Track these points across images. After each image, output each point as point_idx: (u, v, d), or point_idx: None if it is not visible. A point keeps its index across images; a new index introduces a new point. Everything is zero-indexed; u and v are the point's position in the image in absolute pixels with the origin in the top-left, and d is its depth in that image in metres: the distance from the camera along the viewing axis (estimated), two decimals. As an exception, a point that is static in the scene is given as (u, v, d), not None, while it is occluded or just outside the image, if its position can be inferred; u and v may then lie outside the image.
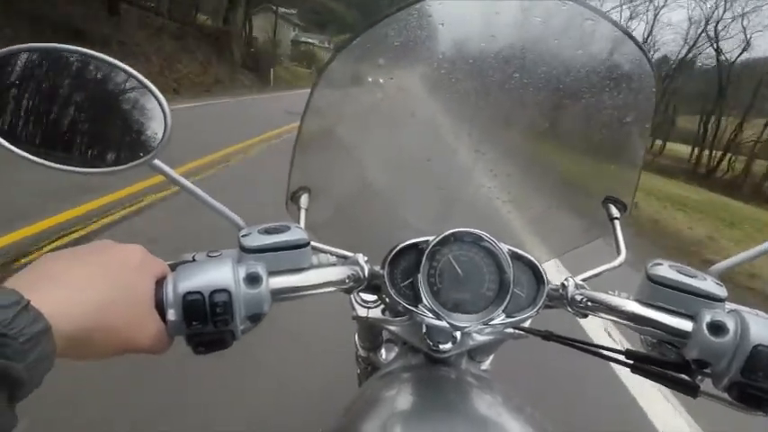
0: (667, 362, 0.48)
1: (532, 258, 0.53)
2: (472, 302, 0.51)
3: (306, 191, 0.69)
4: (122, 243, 0.42)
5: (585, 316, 0.52)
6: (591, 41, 0.59)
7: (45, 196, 3.37)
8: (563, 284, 0.53)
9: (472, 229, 0.51)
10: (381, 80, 0.63)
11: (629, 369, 0.50)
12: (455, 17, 0.58)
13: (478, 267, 0.51)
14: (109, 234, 3.08)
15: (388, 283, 0.52)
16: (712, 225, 7.09)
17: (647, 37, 24.41)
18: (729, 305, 0.47)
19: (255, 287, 0.43)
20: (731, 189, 18.48)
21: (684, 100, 28.07)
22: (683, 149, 27.65)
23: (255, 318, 0.43)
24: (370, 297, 0.66)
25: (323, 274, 0.50)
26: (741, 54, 23.01)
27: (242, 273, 0.43)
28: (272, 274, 0.45)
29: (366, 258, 0.53)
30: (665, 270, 0.48)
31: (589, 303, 0.50)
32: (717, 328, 0.43)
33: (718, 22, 22.84)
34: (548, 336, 0.52)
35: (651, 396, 2.01)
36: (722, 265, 0.52)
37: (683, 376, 0.47)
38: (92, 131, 0.47)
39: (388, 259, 0.52)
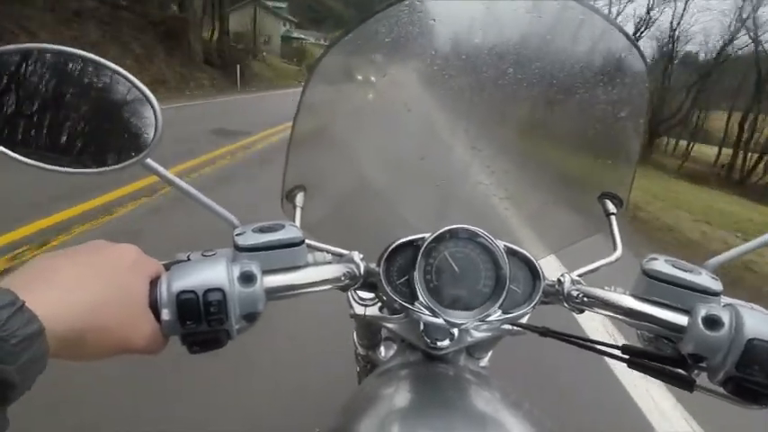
0: (663, 356, 0.48)
1: (528, 254, 0.53)
2: (468, 299, 0.51)
3: (301, 189, 0.69)
4: (116, 243, 0.41)
5: (582, 311, 0.52)
6: (583, 37, 0.59)
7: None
8: (559, 280, 0.53)
9: (468, 226, 0.51)
10: (375, 76, 0.63)
11: (625, 364, 0.50)
12: (447, 13, 0.58)
13: (474, 264, 0.51)
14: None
15: (384, 281, 0.52)
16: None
17: (676, 26, 22.68)
18: (725, 299, 0.47)
19: (250, 286, 0.42)
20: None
21: (713, 96, 24.72)
22: (709, 151, 25.20)
23: (251, 317, 0.43)
24: (368, 295, 0.66)
25: (318, 272, 0.49)
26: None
27: (236, 271, 0.42)
28: (266, 272, 0.45)
29: (362, 256, 0.53)
30: (661, 265, 0.48)
31: (585, 299, 0.50)
32: (712, 322, 0.43)
33: (757, 9, 20.22)
34: (545, 332, 0.52)
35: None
36: (717, 259, 0.52)
37: (680, 371, 0.47)
38: (82, 132, 0.46)
39: (384, 257, 0.52)
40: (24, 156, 0.44)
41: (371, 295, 0.65)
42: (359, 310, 0.67)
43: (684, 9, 23.27)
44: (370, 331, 0.88)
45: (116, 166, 0.47)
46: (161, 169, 0.49)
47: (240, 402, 1.71)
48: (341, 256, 0.54)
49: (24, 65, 0.43)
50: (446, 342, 0.57)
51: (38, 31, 10.60)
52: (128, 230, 3.22)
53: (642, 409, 1.90)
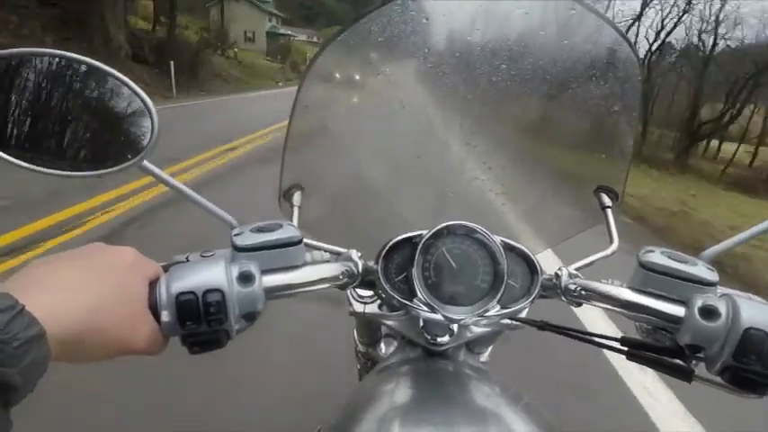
0: (662, 348, 0.48)
1: (525, 249, 0.53)
2: (467, 295, 0.51)
3: (298, 188, 0.69)
4: (114, 245, 0.41)
5: (580, 305, 0.52)
6: (576, 32, 0.59)
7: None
8: (556, 274, 0.53)
9: (465, 222, 0.51)
10: (370, 75, 0.63)
11: (624, 356, 0.50)
12: (440, 10, 0.59)
13: (472, 260, 0.52)
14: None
15: (382, 278, 0.52)
16: None
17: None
18: (721, 289, 0.47)
19: (249, 286, 0.43)
20: None
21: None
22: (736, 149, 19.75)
23: (250, 316, 0.43)
24: (367, 292, 0.66)
25: (316, 270, 0.50)
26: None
27: (235, 272, 0.43)
28: (265, 272, 0.45)
29: (360, 254, 0.53)
30: (657, 256, 0.49)
31: (583, 292, 0.51)
32: (708, 313, 0.43)
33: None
34: (543, 326, 0.52)
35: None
36: (713, 250, 0.52)
37: (678, 361, 0.47)
38: (79, 135, 0.46)
39: (382, 254, 0.52)
40: (21, 159, 0.44)
41: (370, 293, 0.65)
42: (358, 307, 0.67)
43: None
44: (369, 328, 0.88)
45: (113, 169, 0.47)
46: (158, 171, 0.49)
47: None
48: (339, 254, 0.55)
49: (20, 69, 0.43)
50: (446, 338, 0.57)
51: None
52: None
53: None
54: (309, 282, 0.49)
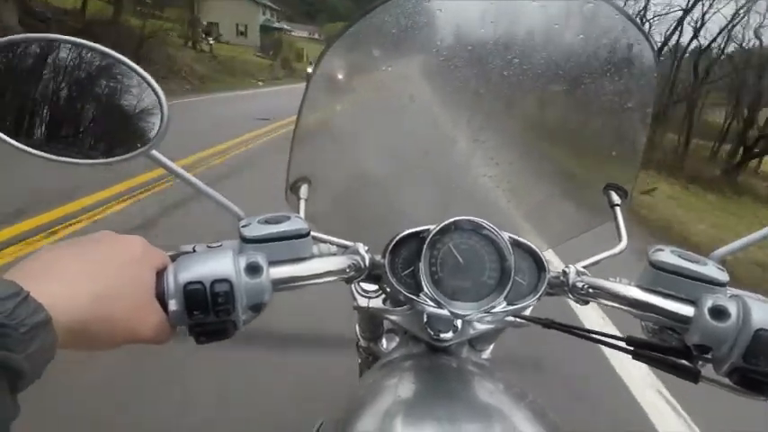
0: (668, 347, 0.48)
1: (533, 246, 0.53)
2: (473, 291, 0.51)
3: (305, 181, 0.69)
4: (122, 234, 0.41)
5: (587, 303, 0.52)
6: (592, 26, 0.58)
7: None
8: (564, 272, 0.53)
9: (473, 218, 0.51)
10: (379, 68, 0.63)
11: (630, 356, 0.50)
12: (452, 3, 0.58)
13: (479, 255, 0.51)
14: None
15: (388, 273, 0.52)
16: None
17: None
18: (731, 290, 0.47)
19: (256, 277, 0.43)
20: None
21: None
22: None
23: (257, 308, 0.43)
24: (371, 287, 0.66)
25: (323, 263, 0.49)
26: None
27: (242, 263, 0.43)
28: (272, 263, 0.45)
29: (366, 248, 0.53)
30: (667, 255, 0.48)
31: (590, 290, 0.50)
32: (718, 313, 0.43)
33: None
34: (548, 324, 0.52)
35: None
36: (724, 250, 0.52)
37: (684, 362, 0.47)
38: (89, 123, 0.46)
39: (389, 248, 0.52)
40: (32, 146, 0.44)
41: (375, 287, 0.65)
42: (362, 302, 0.67)
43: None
44: (372, 323, 0.88)
45: (122, 157, 0.47)
46: (166, 161, 0.49)
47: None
48: (345, 247, 0.55)
49: (37, 55, 0.43)
50: (449, 334, 0.57)
51: None
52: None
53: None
54: (316, 274, 0.49)
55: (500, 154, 0.70)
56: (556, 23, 0.59)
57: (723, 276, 0.47)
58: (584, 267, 0.54)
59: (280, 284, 0.46)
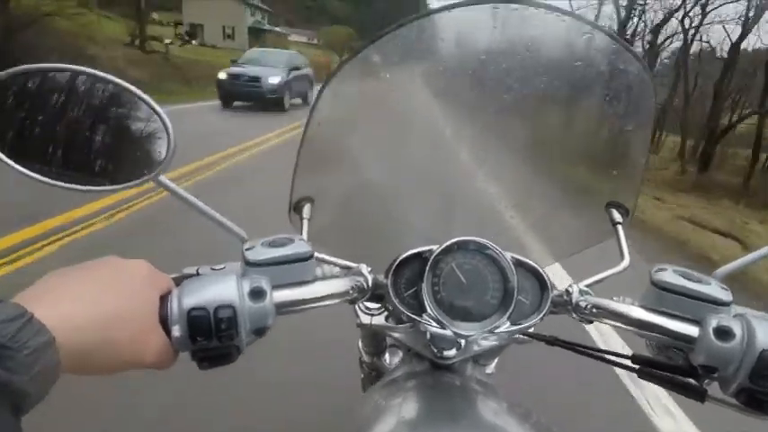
0: (674, 366, 0.48)
1: (536, 265, 0.53)
2: (476, 310, 0.51)
3: (308, 201, 0.69)
4: (127, 259, 0.42)
5: (591, 322, 0.52)
6: (589, 53, 0.60)
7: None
8: (567, 291, 0.53)
9: (476, 238, 0.51)
10: (384, 90, 0.63)
11: (635, 374, 0.50)
12: (455, 32, 0.59)
13: (482, 275, 0.51)
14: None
15: (391, 293, 0.52)
16: None
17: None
18: (736, 308, 0.47)
19: (260, 301, 0.43)
20: None
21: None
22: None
23: (260, 331, 0.43)
24: (374, 304, 0.66)
25: (327, 286, 0.50)
26: None
27: (246, 287, 0.43)
28: (276, 287, 0.45)
29: (369, 269, 0.53)
30: (670, 275, 0.48)
31: (594, 309, 0.50)
32: (723, 333, 0.43)
33: None
34: (553, 341, 0.52)
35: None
36: (727, 268, 0.52)
37: (691, 381, 0.47)
38: (96, 150, 0.47)
39: (392, 269, 0.52)
40: (40, 173, 0.45)
41: (378, 305, 0.65)
42: (365, 319, 0.67)
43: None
44: (375, 339, 0.88)
45: (129, 183, 0.48)
46: (173, 186, 0.50)
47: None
48: (348, 268, 0.55)
49: (45, 84, 0.44)
50: (453, 352, 0.57)
51: None
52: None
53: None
54: (320, 297, 0.49)
55: (503, 173, 0.70)
56: (554, 51, 0.61)
57: (727, 296, 0.46)
58: (587, 286, 0.54)
59: (283, 308, 0.46)
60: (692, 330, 0.45)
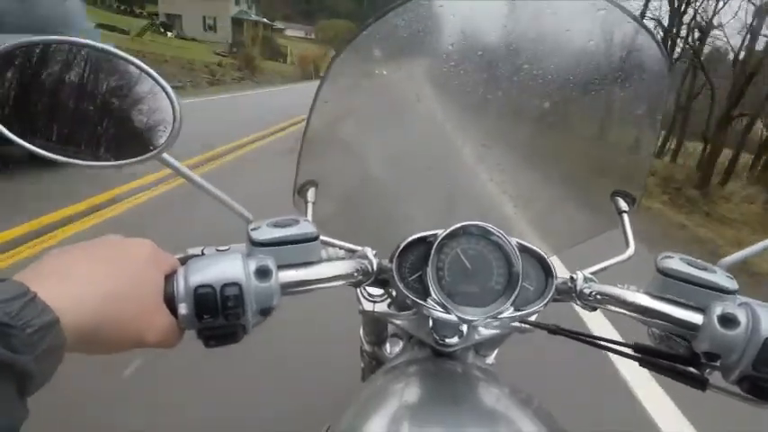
0: (675, 355, 0.48)
1: (541, 251, 0.52)
2: (480, 296, 0.51)
3: (313, 185, 0.69)
4: (131, 238, 0.41)
5: (594, 309, 0.52)
6: (603, 31, 0.58)
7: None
8: (572, 278, 0.53)
9: (481, 223, 0.51)
10: (388, 73, 0.63)
11: (637, 363, 0.50)
12: (462, 8, 0.58)
13: (487, 261, 0.51)
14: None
15: (396, 277, 0.52)
16: None
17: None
18: (740, 298, 0.47)
19: (266, 281, 0.42)
20: None
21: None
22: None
23: (266, 311, 0.43)
24: (377, 291, 0.66)
25: (332, 267, 0.49)
26: None
27: (252, 266, 0.42)
28: (281, 267, 0.45)
29: (374, 252, 0.53)
30: (676, 263, 0.48)
31: (598, 296, 0.50)
32: (728, 321, 0.43)
33: None
34: (555, 330, 0.52)
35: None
36: (733, 257, 0.52)
37: (692, 369, 0.47)
38: (102, 125, 0.46)
39: (397, 253, 0.52)
40: (42, 148, 0.44)
41: (380, 292, 0.65)
42: (368, 306, 0.67)
43: None
44: (376, 328, 0.88)
45: (133, 160, 0.47)
46: (177, 164, 0.49)
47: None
48: (353, 251, 0.54)
49: (51, 58, 0.43)
50: (455, 339, 0.57)
51: None
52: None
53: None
54: (325, 278, 0.49)
55: (507, 159, 0.70)
56: (567, 29, 0.59)
57: (732, 284, 0.47)
58: (591, 273, 0.54)
59: (288, 288, 0.46)
60: (696, 318, 0.46)
